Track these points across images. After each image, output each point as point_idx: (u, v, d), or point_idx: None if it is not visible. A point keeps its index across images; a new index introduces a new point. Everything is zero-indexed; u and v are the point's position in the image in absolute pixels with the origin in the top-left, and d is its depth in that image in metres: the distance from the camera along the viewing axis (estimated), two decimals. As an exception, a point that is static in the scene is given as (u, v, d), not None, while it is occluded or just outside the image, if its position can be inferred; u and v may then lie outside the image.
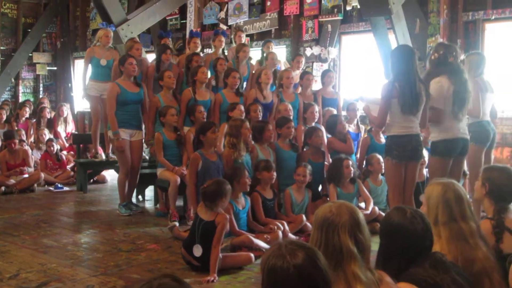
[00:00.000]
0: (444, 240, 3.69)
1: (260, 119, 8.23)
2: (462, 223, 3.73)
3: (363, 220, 3.02)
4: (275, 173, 7.26)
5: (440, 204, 3.77)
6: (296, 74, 9.92)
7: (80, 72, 11.28)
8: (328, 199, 7.69)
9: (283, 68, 10.17)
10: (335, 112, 9.09)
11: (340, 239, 2.89)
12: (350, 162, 7.74)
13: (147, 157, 9.91)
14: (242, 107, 8.27)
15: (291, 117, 8.35)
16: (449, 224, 3.73)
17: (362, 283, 2.84)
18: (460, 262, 3.52)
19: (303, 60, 10.41)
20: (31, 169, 10.96)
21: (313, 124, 8.67)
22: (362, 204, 7.85)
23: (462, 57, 6.75)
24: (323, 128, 8.65)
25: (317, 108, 8.81)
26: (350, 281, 2.83)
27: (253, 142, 7.76)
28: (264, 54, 10.07)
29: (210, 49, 11.63)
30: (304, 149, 8.24)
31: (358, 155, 8.91)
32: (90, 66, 10.20)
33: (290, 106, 8.58)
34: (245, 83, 9.62)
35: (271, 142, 7.95)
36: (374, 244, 3.26)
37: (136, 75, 8.56)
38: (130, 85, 8.42)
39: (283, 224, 6.95)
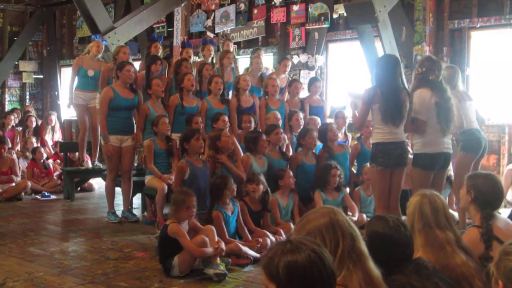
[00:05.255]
0: (419, 247, 3.77)
1: (252, 128, 8.24)
2: (437, 231, 3.82)
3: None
4: (260, 186, 7.09)
5: (416, 212, 3.90)
6: (283, 77, 9.94)
7: (68, 81, 11.24)
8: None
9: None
10: (319, 120, 9.08)
11: (351, 226, 2.95)
12: (338, 172, 7.76)
13: (135, 164, 9.88)
14: (226, 118, 8.25)
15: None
16: (424, 230, 3.83)
17: (371, 259, 2.94)
18: (437, 268, 3.56)
19: (290, 63, 10.40)
20: (18, 178, 10.90)
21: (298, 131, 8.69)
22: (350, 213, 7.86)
23: (446, 73, 6.77)
24: None
25: (301, 115, 8.84)
26: (364, 260, 2.91)
27: (247, 153, 7.75)
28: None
29: (197, 57, 11.64)
30: (297, 151, 8.26)
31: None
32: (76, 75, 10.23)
33: (279, 115, 8.60)
34: (230, 90, 9.62)
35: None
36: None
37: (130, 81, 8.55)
38: (124, 91, 8.41)
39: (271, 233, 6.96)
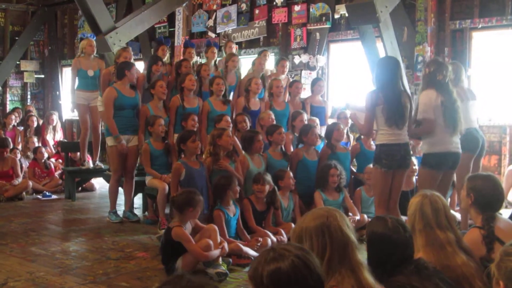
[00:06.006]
0: (420, 247, 3.78)
1: (248, 128, 8.23)
2: (438, 231, 3.83)
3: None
4: (266, 186, 7.11)
5: (417, 213, 3.91)
6: (282, 78, 9.95)
7: (69, 84, 11.25)
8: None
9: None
10: (318, 121, 9.06)
11: (343, 233, 2.95)
12: (337, 172, 7.74)
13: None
14: (229, 118, 8.25)
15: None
16: (425, 230, 3.84)
17: (366, 268, 2.94)
18: (437, 268, 3.56)
19: (288, 64, 10.40)
20: (20, 178, 10.89)
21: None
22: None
23: (452, 76, 6.78)
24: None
25: (305, 116, 8.83)
26: (356, 269, 2.91)
27: (243, 152, 7.75)
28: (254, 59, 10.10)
29: (200, 57, 11.64)
30: (298, 147, 8.25)
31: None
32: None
33: (273, 115, 8.58)
34: (232, 92, 9.61)
35: (263, 152, 7.93)
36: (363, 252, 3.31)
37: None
38: (126, 90, 8.40)
39: (271, 233, 6.95)
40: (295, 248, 2.45)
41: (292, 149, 8.58)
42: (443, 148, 6.45)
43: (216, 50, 10.09)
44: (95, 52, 10.31)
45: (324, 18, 11.67)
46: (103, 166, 10.40)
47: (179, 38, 13.56)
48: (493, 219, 4.23)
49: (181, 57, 10.78)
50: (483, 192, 4.37)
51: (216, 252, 5.82)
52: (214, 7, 13.48)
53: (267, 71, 10.36)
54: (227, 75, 9.47)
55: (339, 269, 2.88)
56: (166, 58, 9.78)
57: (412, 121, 6.48)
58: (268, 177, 7.19)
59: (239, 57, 10.94)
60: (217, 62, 10.22)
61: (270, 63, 12.05)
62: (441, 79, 6.44)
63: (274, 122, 8.47)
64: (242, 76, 9.91)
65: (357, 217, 7.55)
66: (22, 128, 13.57)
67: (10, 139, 11.97)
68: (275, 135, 7.93)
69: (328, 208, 3.12)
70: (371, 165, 7.94)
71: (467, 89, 7.62)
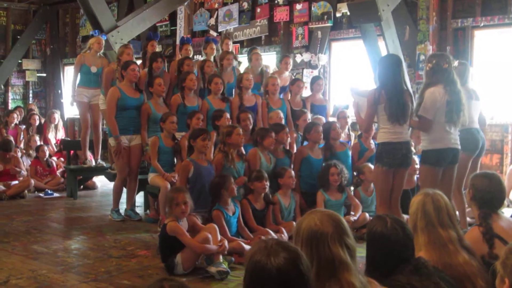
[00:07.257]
0: (422, 246, 3.78)
1: (251, 127, 8.21)
2: (440, 230, 3.83)
3: (347, 225, 3.03)
4: (267, 183, 7.16)
5: (419, 211, 3.90)
6: (285, 76, 9.93)
7: (70, 79, 11.26)
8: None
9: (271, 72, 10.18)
10: (323, 120, 9.01)
11: (332, 251, 2.87)
12: (338, 170, 7.71)
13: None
14: (228, 115, 8.26)
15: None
16: (427, 229, 3.84)
17: None
18: (439, 267, 3.56)
19: (291, 60, 10.36)
20: (24, 173, 10.95)
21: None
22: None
23: (456, 63, 6.76)
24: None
25: (309, 116, 8.82)
26: None
27: (256, 148, 7.75)
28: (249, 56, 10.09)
29: (200, 56, 11.62)
30: (303, 144, 8.25)
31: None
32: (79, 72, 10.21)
33: (281, 114, 8.58)
34: (233, 90, 9.60)
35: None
36: (362, 250, 3.30)
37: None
38: (130, 91, 8.41)
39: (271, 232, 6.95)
40: (287, 252, 2.43)
41: (295, 147, 8.58)
42: (442, 144, 6.46)
43: (215, 46, 10.08)
44: (102, 50, 10.32)
45: (325, 16, 11.66)
46: (105, 164, 10.41)
47: (181, 37, 13.57)
48: (489, 216, 4.24)
49: (179, 54, 10.76)
50: (479, 189, 4.40)
51: (213, 247, 5.83)
52: (216, 5, 13.49)
53: (268, 67, 10.35)
54: (223, 73, 9.43)
55: (327, 285, 2.86)
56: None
57: (414, 113, 6.48)
58: (265, 174, 7.22)
59: (241, 55, 10.98)
60: (216, 58, 10.20)
61: (271, 60, 12.08)
62: (447, 67, 6.41)
63: (283, 121, 8.48)
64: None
65: (355, 218, 7.52)
66: (24, 126, 13.55)
67: (13, 142, 11.98)
68: (281, 134, 7.91)
69: (327, 216, 2.98)
70: (367, 164, 7.99)
71: (471, 90, 7.61)
